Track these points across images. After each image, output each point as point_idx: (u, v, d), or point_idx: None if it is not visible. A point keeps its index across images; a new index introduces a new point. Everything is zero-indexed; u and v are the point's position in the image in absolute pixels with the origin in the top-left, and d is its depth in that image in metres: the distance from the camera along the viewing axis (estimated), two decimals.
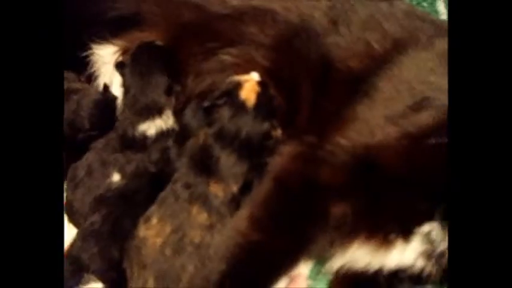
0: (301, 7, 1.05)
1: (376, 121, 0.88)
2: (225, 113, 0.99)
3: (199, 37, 1.07)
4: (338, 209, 0.85)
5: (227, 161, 0.97)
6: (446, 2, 1.18)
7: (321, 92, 0.98)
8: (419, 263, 0.86)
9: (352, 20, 1.02)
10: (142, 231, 0.95)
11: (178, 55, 1.08)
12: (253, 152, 0.97)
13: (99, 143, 1.08)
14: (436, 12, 1.19)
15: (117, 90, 1.15)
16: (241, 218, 0.88)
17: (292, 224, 0.85)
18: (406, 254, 0.86)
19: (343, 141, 0.86)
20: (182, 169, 1.00)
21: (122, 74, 1.10)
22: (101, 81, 1.17)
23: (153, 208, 0.96)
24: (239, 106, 0.99)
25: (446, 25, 1.05)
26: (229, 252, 0.85)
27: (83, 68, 1.17)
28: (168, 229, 0.93)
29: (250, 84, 1.00)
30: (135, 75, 1.07)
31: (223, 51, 1.05)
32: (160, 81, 1.06)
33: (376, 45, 0.98)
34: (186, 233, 0.93)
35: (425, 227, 0.83)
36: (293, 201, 0.87)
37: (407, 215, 0.83)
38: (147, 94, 1.06)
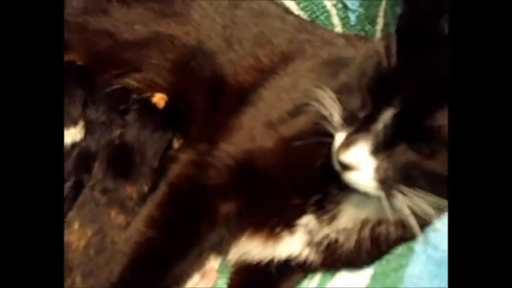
0: (199, 29, 1.15)
1: (258, 128, 0.97)
2: (138, 116, 1.11)
3: (110, 63, 1.18)
4: (225, 208, 0.95)
5: (141, 162, 1.08)
6: (340, 15, 1.29)
7: (214, 106, 1.08)
8: (305, 252, 0.96)
9: (244, 37, 1.12)
10: (66, 236, 1.03)
11: (95, 78, 1.18)
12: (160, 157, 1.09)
13: None
14: (332, 24, 1.29)
15: None
16: (140, 218, 0.98)
17: (184, 222, 0.96)
18: (293, 245, 0.96)
19: (228, 148, 0.96)
20: (99, 174, 1.09)
21: None
22: None
23: (73, 214, 1.05)
24: (151, 109, 1.12)
25: (334, 35, 1.17)
26: (130, 248, 0.95)
27: None
28: (89, 232, 1.03)
29: (160, 94, 1.13)
30: None
31: (129, 76, 1.16)
32: (77, 95, 1.16)
33: (265, 60, 1.08)
34: (106, 233, 1.03)
35: (304, 219, 0.93)
36: (184, 202, 0.97)
37: (287, 210, 0.93)
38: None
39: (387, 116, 0.77)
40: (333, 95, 0.89)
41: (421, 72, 0.77)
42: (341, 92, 0.90)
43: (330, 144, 0.85)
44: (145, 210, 0.98)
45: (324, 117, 0.88)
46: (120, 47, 1.17)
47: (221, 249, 1.02)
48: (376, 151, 0.78)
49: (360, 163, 0.79)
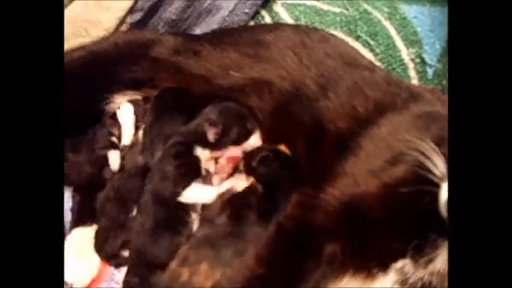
0: (294, 74, 1.23)
1: (360, 175, 1.04)
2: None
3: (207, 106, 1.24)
4: (330, 248, 1.00)
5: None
6: (418, 69, 1.37)
7: (315, 150, 1.15)
8: None
9: (339, 86, 1.20)
10: (186, 276, 1.05)
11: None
12: None
13: None
14: (409, 77, 1.38)
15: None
16: (249, 256, 1.03)
17: (291, 259, 1.01)
18: (384, 284, 1.01)
19: (333, 192, 1.03)
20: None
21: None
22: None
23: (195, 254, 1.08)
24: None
25: (417, 89, 1.24)
26: (239, 283, 1.01)
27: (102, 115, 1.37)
28: (218, 273, 1.05)
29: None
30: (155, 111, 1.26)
31: None
32: (175, 117, 1.25)
33: (359, 108, 1.16)
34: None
35: (399, 263, 0.98)
36: (292, 241, 1.03)
37: (385, 253, 0.98)
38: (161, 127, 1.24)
39: None
40: (435, 146, 0.95)
41: None
42: (439, 145, 0.96)
43: (430, 192, 0.91)
44: (254, 249, 1.04)
45: (424, 167, 0.94)
46: (217, 91, 1.24)
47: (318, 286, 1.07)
48: None
49: None
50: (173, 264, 1.07)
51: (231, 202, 1.14)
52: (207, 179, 1.20)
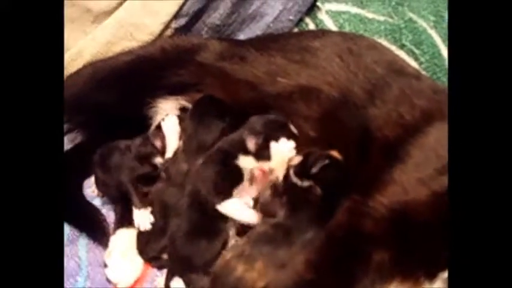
0: (341, 81, 1.23)
1: (409, 182, 1.05)
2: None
3: (253, 113, 1.25)
4: (378, 255, 1.01)
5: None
6: None
7: (363, 157, 1.16)
8: None
9: (386, 94, 1.20)
10: (240, 271, 1.06)
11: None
12: None
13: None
14: None
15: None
16: (299, 261, 1.04)
17: (340, 265, 1.02)
18: None
19: (382, 199, 1.04)
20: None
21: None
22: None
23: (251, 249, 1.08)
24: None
25: None
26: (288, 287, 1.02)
27: (146, 119, 1.38)
28: (271, 274, 1.05)
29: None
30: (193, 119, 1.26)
31: None
32: (214, 124, 1.25)
33: (407, 116, 1.16)
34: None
35: (447, 273, 0.98)
36: (341, 248, 1.04)
37: (433, 262, 0.99)
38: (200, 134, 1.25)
39: None
40: None
41: None
42: None
43: None
44: (304, 254, 1.04)
45: None
46: (265, 97, 1.26)
47: None
48: None
49: None
50: (228, 255, 1.08)
51: (291, 196, 1.13)
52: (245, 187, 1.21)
